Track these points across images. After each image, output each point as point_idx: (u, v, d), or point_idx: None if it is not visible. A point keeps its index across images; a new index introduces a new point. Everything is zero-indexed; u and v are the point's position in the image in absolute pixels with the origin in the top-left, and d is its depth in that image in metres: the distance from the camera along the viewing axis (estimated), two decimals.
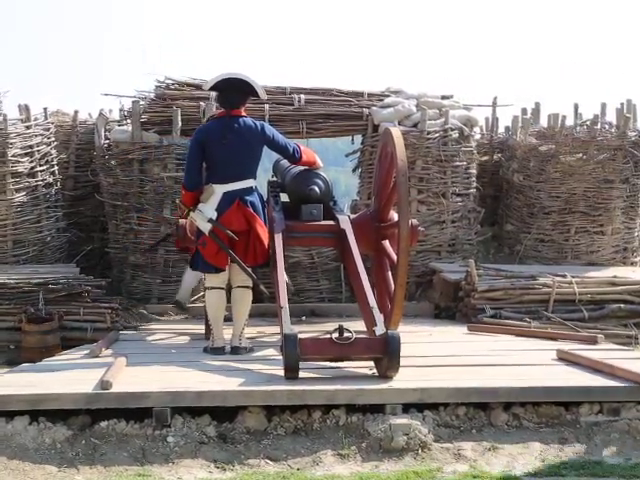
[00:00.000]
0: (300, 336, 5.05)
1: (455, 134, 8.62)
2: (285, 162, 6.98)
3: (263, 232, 6.15)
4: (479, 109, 9.34)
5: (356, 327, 5.40)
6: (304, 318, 7.70)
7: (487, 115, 10.22)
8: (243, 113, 6.22)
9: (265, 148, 6.29)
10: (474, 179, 8.88)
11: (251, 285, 6.21)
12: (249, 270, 6.06)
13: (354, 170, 8.92)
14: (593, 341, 6.38)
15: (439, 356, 5.82)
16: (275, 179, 7.33)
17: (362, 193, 8.69)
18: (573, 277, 7.60)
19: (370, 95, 8.77)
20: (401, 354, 5.01)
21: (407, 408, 4.82)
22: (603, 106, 9.16)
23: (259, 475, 4.35)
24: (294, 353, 4.97)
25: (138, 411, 4.75)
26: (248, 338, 6.32)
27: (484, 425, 4.87)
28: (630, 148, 8.82)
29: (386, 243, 6.47)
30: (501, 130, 10.27)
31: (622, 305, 7.43)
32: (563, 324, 7.17)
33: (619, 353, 6.09)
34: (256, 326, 7.05)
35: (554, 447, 4.66)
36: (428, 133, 8.51)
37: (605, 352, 5.97)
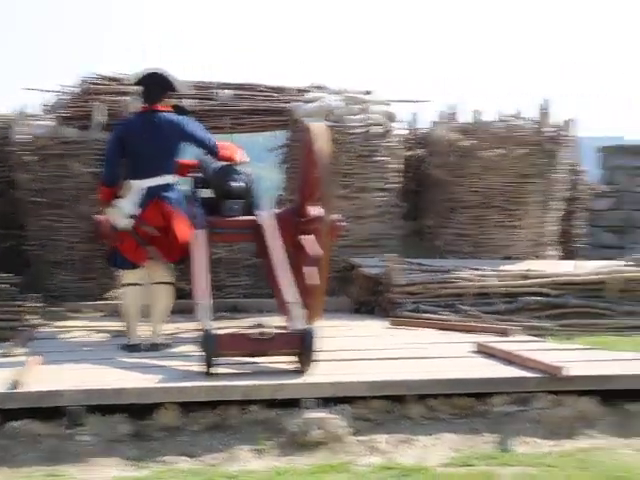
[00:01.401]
0: (218, 332, 5.05)
1: (377, 129, 8.68)
2: (209, 157, 6.96)
3: (182, 228, 6.11)
4: (404, 105, 9.44)
5: (277, 322, 5.41)
6: (225, 314, 7.68)
7: (415, 111, 10.31)
8: (163, 108, 6.18)
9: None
10: (396, 174, 8.95)
11: (171, 281, 6.18)
12: (168, 266, 6.04)
13: (278, 165, 8.92)
14: (504, 333, 6.53)
15: (357, 350, 5.86)
16: (200, 174, 7.29)
17: (287, 188, 8.70)
18: (489, 271, 7.75)
19: (293, 90, 8.78)
20: (319, 348, 5.03)
21: (325, 402, 4.84)
22: (524, 103, 9.36)
23: (173, 472, 4.32)
24: (211, 349, 4.96)
25: (51, 410, 4.67)
26: (166, 335, 6.28)
27: (400, 418, 4.90)
28: (546, 143, 9.02)
29: (305, 238, 6.50)
30: (428, 126, 10.36)
31: (537, 298, 7.59)
32: (479, 317, 7.30)
33: (533, 345, 6.23)
34: (174, 322, 6.99)
35: (466, 438, 4.72)
36: (350, 128, 8.54)
37: (520, 344, 6.08)
